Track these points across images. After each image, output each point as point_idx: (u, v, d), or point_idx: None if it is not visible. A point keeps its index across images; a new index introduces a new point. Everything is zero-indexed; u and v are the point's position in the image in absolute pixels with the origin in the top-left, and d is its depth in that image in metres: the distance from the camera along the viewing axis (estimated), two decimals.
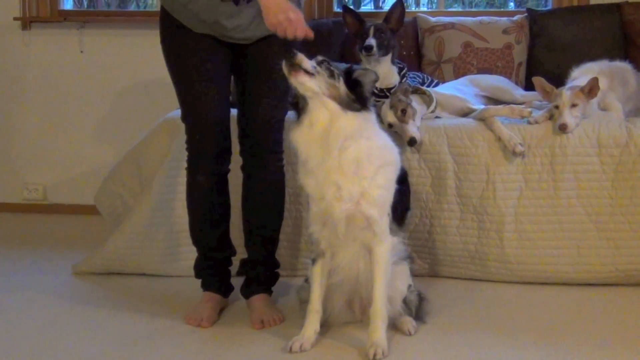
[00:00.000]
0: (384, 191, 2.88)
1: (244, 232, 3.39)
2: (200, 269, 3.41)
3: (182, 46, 3.18)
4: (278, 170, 3.32)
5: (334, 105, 2.78)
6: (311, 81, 2.76)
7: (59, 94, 5.44)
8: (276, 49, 3.12)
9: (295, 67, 2.75)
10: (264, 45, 3.18)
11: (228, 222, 3.39)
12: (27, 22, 5.38)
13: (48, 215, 5.39)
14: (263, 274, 3.37)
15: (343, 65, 2.89)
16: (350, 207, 2.82)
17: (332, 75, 2.80)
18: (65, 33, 5.39)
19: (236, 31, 3.13)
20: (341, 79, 2.81)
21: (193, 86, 3.18)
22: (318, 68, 2.78)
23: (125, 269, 3.86)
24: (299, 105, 2.86)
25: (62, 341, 3.05)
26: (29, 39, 5.41)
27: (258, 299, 3.31)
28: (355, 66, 2.91)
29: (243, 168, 3.34)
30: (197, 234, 3.38)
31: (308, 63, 2.77)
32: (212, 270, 3.38)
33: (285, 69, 2.77)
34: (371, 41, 3.94)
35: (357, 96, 2.82)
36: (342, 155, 2.78)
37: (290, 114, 3.13)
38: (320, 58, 2.83)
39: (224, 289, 3.40)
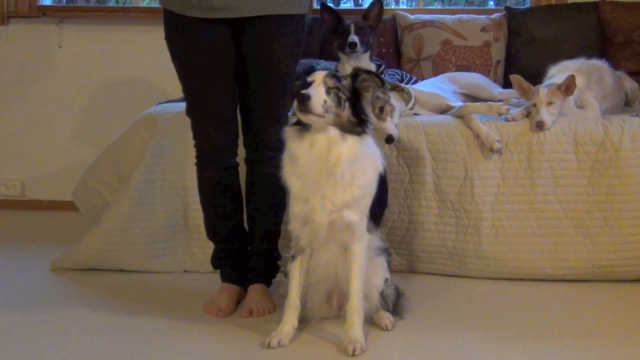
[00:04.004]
0: (368, 197, 2.92)
1: (247, 224, 3.45)
2: (217, 261, 3.48)
3: (182, 40, 3.21)
4: (280, 164, 3.29)
5: (334, 132, 2.77)
6: (320, 120, 2.74)
7: (38, 89, 5.40)
8: (275, 27, 3.16)
9: (307, 110, 2.70)
10: (262, 22, 3.16)
11: (241, 213, 3.44)
12: (5, 17, 5.34)
13: (26, 211, 5.36)
14: (263, 266, 3.41)
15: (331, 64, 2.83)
16: (333, 215, 2.84)
17: (339, 104, 2.76)
18: (43, 28, 5.35)
19: (222, 1, 3.11)
20: (347, 104, 2.78)
21: (197, 81, 3.21)
22: (328, 101, 2.73)
23: (103, 265, 3.85)
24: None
25: (39, 338, 3.03)
26: (7, 34, 5.37)
27: (254, 289, 3.34)
28: (361, 71, 2.87)
29: (246, 161, 3.38)
30: (211, 228, 3.45)
31: (320, 106, 2.71)
32: (228, 262, 3.44)
33: (295, 109, 2.72)
34: (354, 38, 3.96)
35: (358, 117, 2.81)
36: (341, 178, 2.80)
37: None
38: (331, 82, 2.76)
39: (241, 280, 3.42)
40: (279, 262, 3.47)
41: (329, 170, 2.78)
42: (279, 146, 3.12)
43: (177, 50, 3.25)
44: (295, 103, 2.71)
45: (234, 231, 3.43)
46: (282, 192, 3.20)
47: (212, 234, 3.47)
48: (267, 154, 3.26)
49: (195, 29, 3.17)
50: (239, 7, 3.13)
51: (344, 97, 2.78)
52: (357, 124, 2.80)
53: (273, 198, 3.28)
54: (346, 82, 2.81)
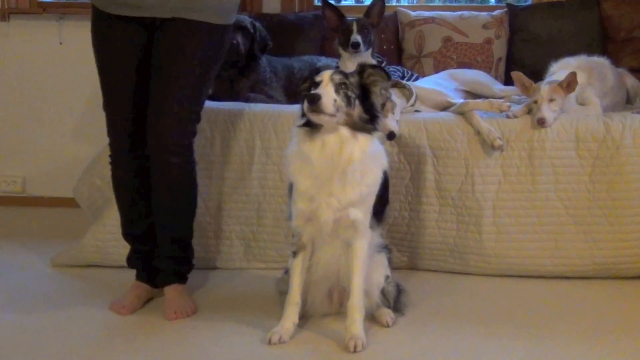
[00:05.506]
0: (373, 194, 2.91)
1: (156, 229, 3.34)
2: (131, 261, 3.44)
3: (100, 36, 3.22)
4: (185, 173, 3.23)
5: (345, 131, 2.77)
6: (332, 119, 2.74)
7: (38, 86, 5.40)
8: (186, 30, 3.12)
9: (319, 110, 2.70)
10: (174, 25, 3.14)
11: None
12: (5, 14, 5.33)
13: (27, 208, 5.36)
14: (176, 267, 3.34)
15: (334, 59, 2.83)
16: (339, 213, 2.84)
17: (349, 103, 2.76)
18: (44, 25, 5.35)
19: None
20: (357, 102, 2.79)
21: (108, 76, 3.23)
22: (338, 100, 2.73)
23: (104, 261, 3.85)
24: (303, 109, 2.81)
25: (41, 334, 3.03)
26: (7, 31, 5.37)
27: (171, 290, 3.29)
28: (366, 66, 2.89)
29: (151, 164, 3.24)
30: (123, 227, 3.42)
31: (331, 106, 2.71)
32: (141, 262, 3.40)
33: (306, 110, 2.71)
34: (357, 38, 3.95)
35: (370, 113, 2.81)
36: (351, 177, 2.81)
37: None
38: (337, 79, 2.76)
39: (151, 279, 3.38)
40: (192, 262, 3.41)
41: (341, 170, 2.78)
42: (182, 152, 3.14)
43: (96, 45, 3.24)
44: (305, 104, 2.71)
45: (147, 231, 3.35)
46: (190, 196, 3.23)
47: (125, 233, 3.42)
48: (171, 160, 3.17)
49: (112, 26, 3.17)
50: (152, 7, 3.11)
51: (353, 95, 2.78)
52: (368, 121, 2.81)
53: (180, 203, 3.26)
54: (354, 79, 2.81)
